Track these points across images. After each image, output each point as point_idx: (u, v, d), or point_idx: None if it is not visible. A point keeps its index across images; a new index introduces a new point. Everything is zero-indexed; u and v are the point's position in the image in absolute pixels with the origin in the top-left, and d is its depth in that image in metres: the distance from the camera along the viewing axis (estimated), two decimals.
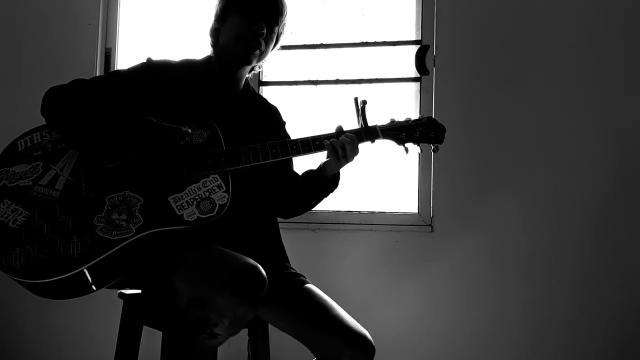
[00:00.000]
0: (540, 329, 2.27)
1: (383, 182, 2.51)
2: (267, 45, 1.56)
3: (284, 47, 2.56)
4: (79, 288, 1.32)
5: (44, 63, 2.68)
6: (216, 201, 1.37)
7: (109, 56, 2.71)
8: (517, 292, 2.29)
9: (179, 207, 1.35)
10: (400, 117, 1.60)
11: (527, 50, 2.35)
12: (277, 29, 1.58)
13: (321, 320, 1.42)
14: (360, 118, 1.56)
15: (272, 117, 1.74)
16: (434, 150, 1.58)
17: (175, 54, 2.33)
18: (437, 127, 1.58)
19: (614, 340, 2.23)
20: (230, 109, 1.61)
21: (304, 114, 2.57)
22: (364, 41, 2.58)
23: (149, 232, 1.32)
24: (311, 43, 2.62)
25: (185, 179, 1.40)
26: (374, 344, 1.41)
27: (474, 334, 2.31)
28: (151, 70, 1.56)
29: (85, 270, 1.27)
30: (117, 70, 1.59)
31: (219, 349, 1.27)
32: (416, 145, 1.58)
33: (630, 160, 2.26)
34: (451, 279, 2.33)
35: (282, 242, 1.69)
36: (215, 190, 1.39)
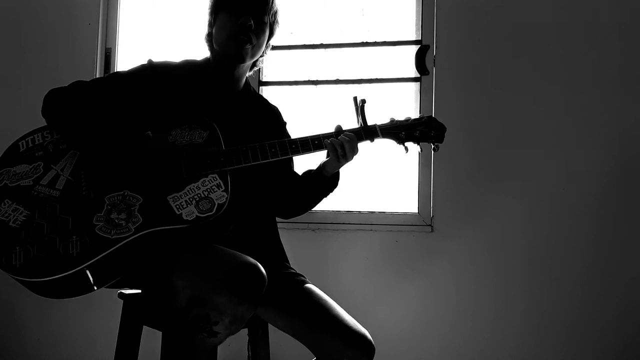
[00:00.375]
0: (540, 329, 2.27)
1: (383, 182, 2.51)
2: (258, 38, 1.54)
3: (284, 47, 2.60)
4: (79, 287, 1.32)
5: (44, 63, 2.69)
6: (215, 200, 1.37)
7: (109, 56, 2.72)
8: (517, 292, 2.29)
9: (178, 207, 1.35)
10: (400, 117, 1.60)
11: (527, 50, 2.35)
12: (266, 18, 1.55)
13: (321, 320, 1.42)
14: (360, 117, 1.56)
15: (272, 117, 1.74)
16: (434, 150, 1.58)
17: (175, 55, 2.33)
18: (437, 126, 1.58)
19: (614, 340, 2.22)
20: (229, 109, 1.61)
21: (304, 114, 2.57)
22: (364, 41, 2.58)
23: (148, 231, 1.32)
24: (311, 43, 2.62)
25: (185, 179, 1.40)
26: (374, 343, 1.41)
27: (474, 334, 2.31)
28: (151, 71, 1.56)
29: (84, 269, 1.27)
30: (117, 72, 1.60)
31: (219, 348, 1.27)
32: (416, 145, 1.58)
33: (631, 160, 2.26)
34: (451, 279, 2.33)
35: (281, 242, 1.69)
36: (214, 190, 1.39)
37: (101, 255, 1.28)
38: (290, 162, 1.70)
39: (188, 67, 1.61)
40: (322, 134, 1.53)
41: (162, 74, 1.56)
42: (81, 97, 1.46)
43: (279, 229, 1.70)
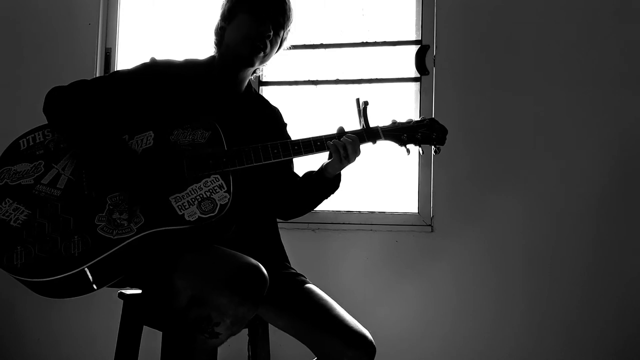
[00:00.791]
0: (540, 329, 2.27)
1: (383, 182, 2.51)
2: (271, 48, 1.57)
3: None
4: (80, 287, 1.32)
5: (44, 63, 2.68)
6: (217, 201, 1.37)
7: (109, 56, 2.72)
8: (516, 292, 2.29)
9: (180, 207, 1.35)
10: (401, 118, 1.60)
11: (527, 50, 2.35)
12: (282, 32, 1.58)
13: (321, 320, 1.43)
14: (362, 119, 1.56)
15: (273, 119, 1.74)
16: (435, 152, 1.58)
17: (175, 54, 2.32)
18: (439, 128, 1.58)
19: (614, 340, 2.23)
20: (232, 110, 1.61)
21: (304, 114, 2.57)
22: (364, 41, 2.58)
23: (150, 231, 1.32)
24: (311, 43, 2.62)
25: (187, 179, 1.40)
26: (374, 343, 1.41)
27: (474, 334, 2.31)
28: (154, 70, 1.56)
29: (86, 269, 1.27)
30: (119, 71, 1.59)
31: (219, 348, 1.27)
32: (418, 147, 1.58)
33: (631, 160, 2.26)
34: (451, 279, 2.33)
35: (281, 242, 1.69)
36: (217, 190, 1.39)
37: (103, 256, 1.28)
38: (290, 164, 1.70)
39: (191, 67, 1.61)
40: (325, 136, 1.53)
41: (165, 72, 1.55)
42: (82, 96, 1.45)
43: (279, 230, 1.71)
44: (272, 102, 1.78)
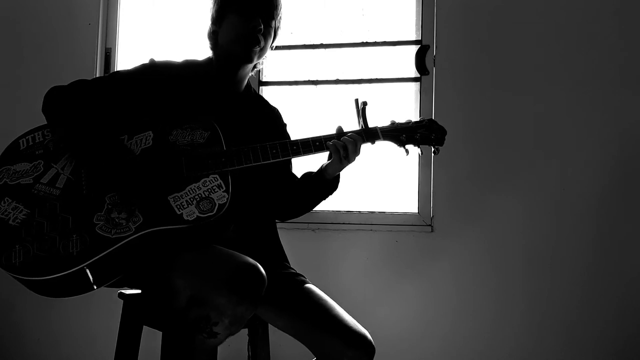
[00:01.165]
0: (540, 329, 2.27)
1: (383, 182, 2.51)
2: (266, 41, 1.57)
3: (284, 47, 2.60)
4: (79, 286, 1.32)
5: (44, 63, 2.69)
6: (216, 201, 1.37)
7: (109, 56, 2.72)
8: (517, 292, 2.29)
9: (178, 207, 1.35)
10: (400, 119, 1.59)
11: (527, 50, 2.35)
12: (273, 22, 1.59)
13: (321, 320, 1.42)
14: (361, 119, 1.56)
15: (273, 119, 1.74)
16: (434, 152, 1.58)
17: (176, 55, 2.33)
18: (437, 129, 1.57)
19: (614, 340, 2.23)
20: (231, 110, 1.61)
21: (304, 114, 2.57)
22: (364, 41, 2.58)
23: (148, 230, 1.32)
24: (311, 43, 2.62)
25: (186, 179, 1.40)
26: (374, 343, 1.41)
27: (474, 334, 2.31)
28: (153, 70, 1.56)
29: (84, 268, 1.27)
30: (119, 71, 1.59)
31: (219, 348, 1.27)
32: (417, 147, 1.58)
33: (631, 160, 2.26)
34: (451, 279, 2.33)
35: (280, 242, 1.69)
36: (215, 190, 1.39)
37: (101, 255, 1.28)
38: (288, 164, 1.70)
39: (190, 67, 1.61)
40: (323, 136, 1.53)
41: (164, 73, 1.56)
42: (81, 96, 1.45)
43: (278, 229, 1.70)
44: (272, 102, 1.78)
